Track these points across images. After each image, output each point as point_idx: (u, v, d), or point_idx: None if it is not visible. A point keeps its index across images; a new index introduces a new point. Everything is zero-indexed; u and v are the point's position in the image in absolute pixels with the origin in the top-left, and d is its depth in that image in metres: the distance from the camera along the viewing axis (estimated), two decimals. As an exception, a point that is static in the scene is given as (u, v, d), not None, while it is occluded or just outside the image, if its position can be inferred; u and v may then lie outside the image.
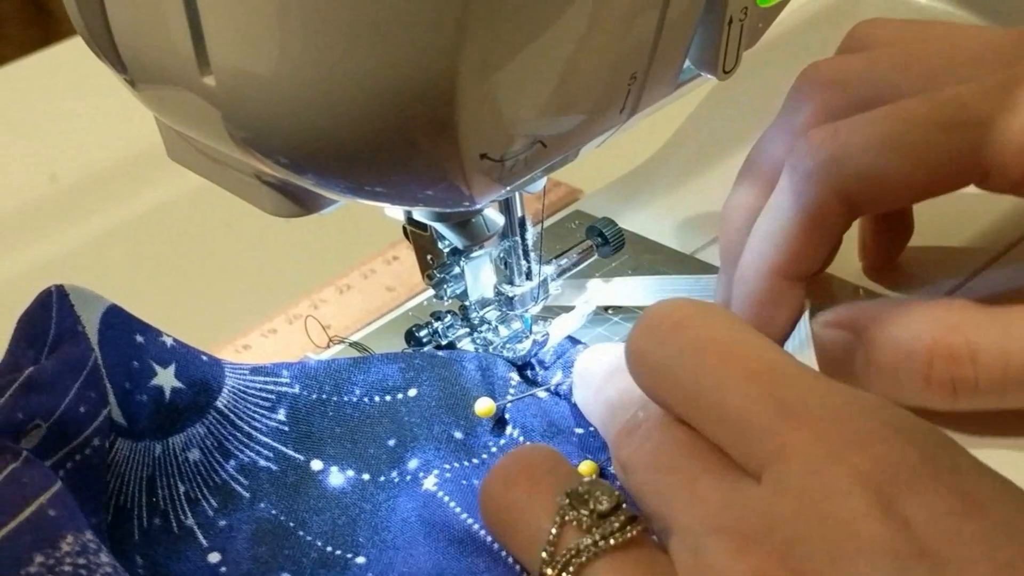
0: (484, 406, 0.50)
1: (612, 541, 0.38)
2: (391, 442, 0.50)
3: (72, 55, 0.88)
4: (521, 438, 0.50)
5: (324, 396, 0.50)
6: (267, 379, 0.50)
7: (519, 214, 0.52)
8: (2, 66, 0.91)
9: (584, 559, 0.38)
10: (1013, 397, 0.44)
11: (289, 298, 0.65)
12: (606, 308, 0.57)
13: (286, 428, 0.50)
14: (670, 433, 0.41)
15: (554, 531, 0.38)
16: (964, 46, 0.51)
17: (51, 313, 0.46)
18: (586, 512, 0.38)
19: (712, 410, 0.39)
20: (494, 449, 0.50)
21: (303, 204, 0.47)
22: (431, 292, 0.56)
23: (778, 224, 0.49)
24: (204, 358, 0.49)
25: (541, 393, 0.51)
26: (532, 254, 0.53)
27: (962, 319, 0.45)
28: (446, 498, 0.47)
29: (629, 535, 0.38)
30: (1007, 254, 0.57)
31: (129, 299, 0.49)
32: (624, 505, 0.39)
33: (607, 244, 0.56)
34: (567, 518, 0.39)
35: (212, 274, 0.70)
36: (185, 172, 0.50)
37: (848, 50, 0.55)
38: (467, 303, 0.54)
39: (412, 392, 0.51)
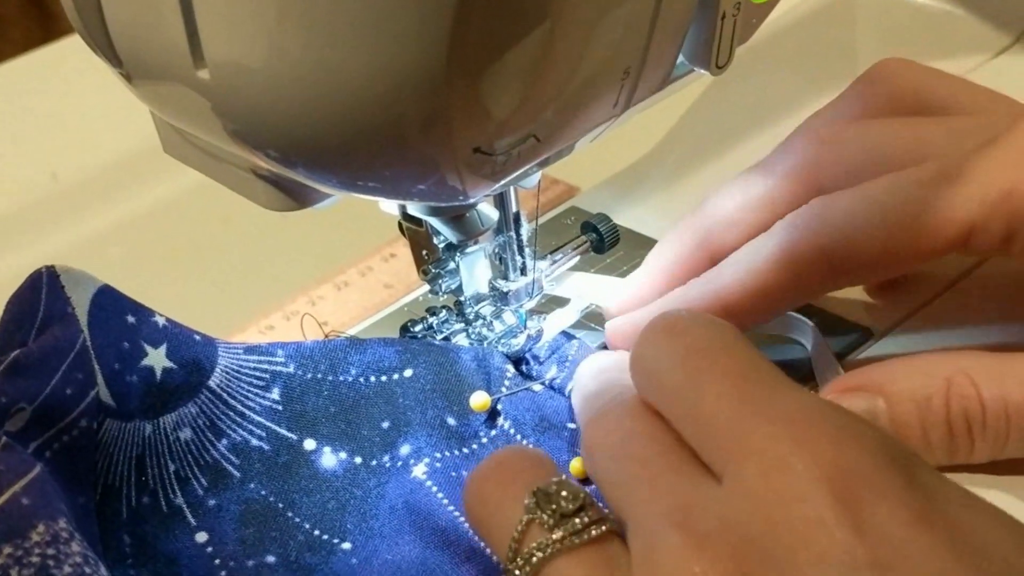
0: (479, 400, 0.50)
1: (574, 540, 0.38)
2: (385, 424, 0.50)
3: (72, 53, 0.88)
4: (513, 431, 0.50)
5: (319, 375, 0.50)
6: (261, 358, 0.50)
7: (514, 209, 0.52)
8: (2, 64, 0.91)
9: (542, 556, 0.38)
10: (1017, 441, 0.44)
11: (287, 295, 0.65)
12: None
13: (280, 407, 0.50)
14: (637, 424, 0.42)
15: (519, 529, 0.39)
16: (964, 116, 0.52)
17: (41, 295, 0.47)
18: (549, 512, 0.39)
19: (688, 410, 0.40)
20: (484, 440, 0.50)
21: (297, 198, 0.48)
22: (427, 288, 0.56)
23: (748, 259, 0.49)
24: (197, 338, 0.50)
25: (536, 387, 0.52)
26: (527, 250, 0.53)
27: (967, 364, 0.45)
28: (434, 488, 0.48)
29: (591, 535, 0.38)
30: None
31: (127, 295, 0.49)
32: (588, 507, 0.39)
33: (602, 240, 0.56)
34: (534, 517, 0.39)
35: (210, 271, 0.70)
36: (183, 170, 0.51)
37: (868, 84, 0.56)
38: (462, 298, 0.54)
39: (408, 373, 0.51)
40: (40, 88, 0.88)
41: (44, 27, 1.52)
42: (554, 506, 0.39)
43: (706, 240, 0.52)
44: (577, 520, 0.39)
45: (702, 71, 0.48)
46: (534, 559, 0.38)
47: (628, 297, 0.53)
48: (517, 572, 0.39)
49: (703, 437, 0.39)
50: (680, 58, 0.47)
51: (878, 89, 0.55)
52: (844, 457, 0.35)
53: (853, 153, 0.51)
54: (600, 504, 0.40)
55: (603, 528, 0.39)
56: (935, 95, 0.54)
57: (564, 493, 0.39)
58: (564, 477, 0.40)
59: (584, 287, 0.56)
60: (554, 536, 0.38)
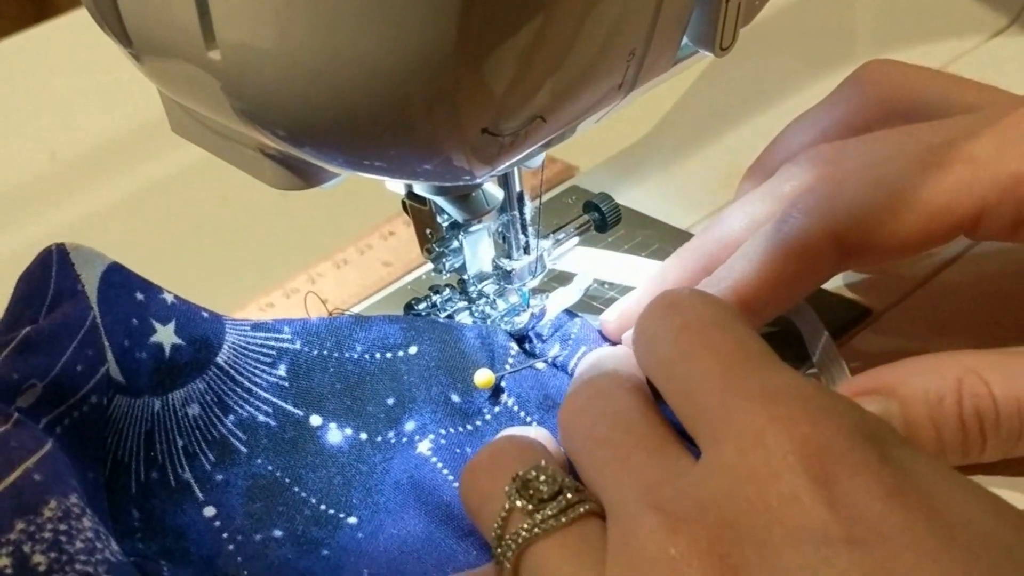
0: (483, 377, 0.51)
1: (553, 523, 0.39)
2: (390, 400, 0.50)
3: (69, 31, 0.88)
4: (516, 408, 0.51)
5: (325, 352, 0.51)
6: (268, 335, 0.51)
7: (517, 189, 0.52)
8: (-1, 42, 0.91)
9: (521, 540, 0.39)
10: None
11: (286, 273, 0.65)
12: (603, 282, 0.58)
13: (286, 384, 0.50)
14: (612, 404, 0.43)
15: (502, 515, 0.40)
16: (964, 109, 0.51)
17: (51, 272, 0.47)
18: (527, 497, 0.40)
19: (679, 385, 0.41)
20: (488, 416, 0.51)
21: (305, 177, 0.48)
22: (429, 266, 0.56)
23: (758, 249, 0.49)
24: (205, 314, 0.50)
25: (539, 365, 0.52)
26: (530, 228, 0.54)
27: (977, 363, 0.45)
28: (439, 464, 0.48)
29: (569, 517, 0.39)
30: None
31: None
32: (566, 490, 0.40)
33: (604, 219, 0.57)
34: (515, 503, 0.40)
35: (209, 249, 0.71)
36: (182, 149, 0.51)
37: (857, 85, 0.56)
38: (465, 277, 0.55)
39: (412, 350, 0.51)
40: (37, 67, 0.88)
41: (38, 4, 1.51)
42: (531, 491, 0.40)
43: (710, 263, 0.52)
44: (555, 504, 0.39)
45: (706, 53, 0.48)
46: (515, 543, 0.39)
47: (630, 314, 0.52)
48: (501, 557, 0.40)
49: (690, 413, 0.40)
50: (684, 40, 0.47)
51: (867, 91, 0.55)
52: (820, 434, 0.36)
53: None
54: (581, 486, 0.41)
55: (581, 510, 0.39)
56: (925, 94, 0.54)
57: (543, 478, 0.40)
58: (545, 462, 0.41)
59: (588, 261, 0.57)
60: (532, 520, 0.39)
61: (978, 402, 0.43)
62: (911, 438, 0.43)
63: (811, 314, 0.52)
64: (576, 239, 0.57)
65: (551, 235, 0.56)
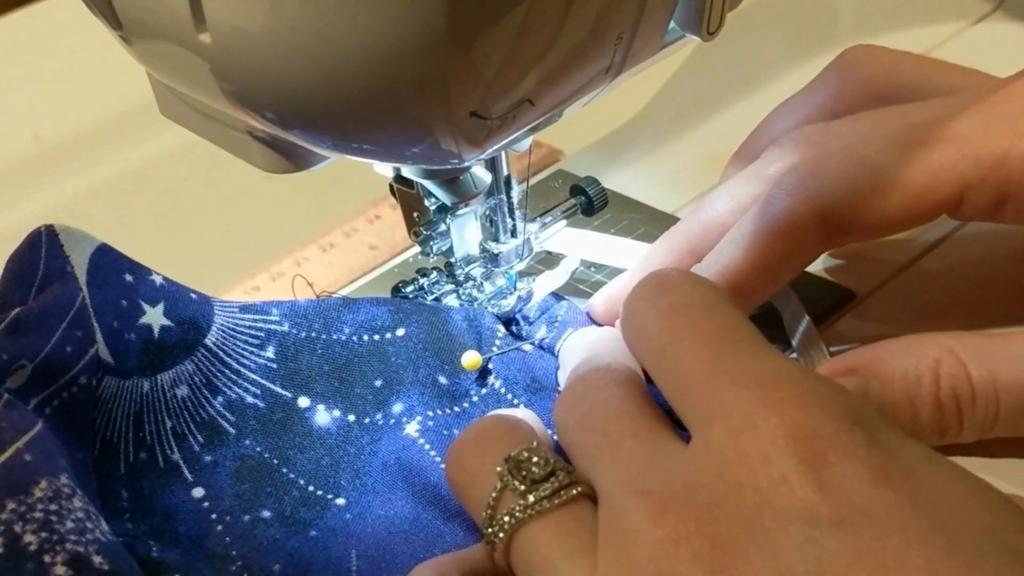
0: (470, 359, 0.51)
1: (546, 504, 0.39)
2: (378, 382, 0.51)
3: (52, 13, 0.88)
4: (504, 390, 0.51)
5: (313, 334, 0.51)
6: (256, 317, 0.51)
7: (505, 172, 0.53)
8: (-19, 24, 0.91)
9: (514, 521, 0.39)
10: (1006, 420, 0.44)
11: (273, 256, 0.65)
12: (589, 265, 0.58)
13: (274, 365, 0.50)
14: (603, 395, 0.43)
15: (494, 495, 0.40)
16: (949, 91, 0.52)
17: (40, 254, 0.47)
18: (520, 478, 0.40)
19: (668, 368, 0.41)
20: (475, 398, 0.51)
21: (293, 160, 0.48)
22: (415, 250, 0.56)
23: (744, 233, 0.49)
24: (194, 296, 0.50)
25: (526, 347, 0.52)
26: (517, 212, 0.54)
27: (955, 344, 0.45)
28: (426, 446, 0.49)
29: (561, 499, 0.39)
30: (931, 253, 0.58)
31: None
32: (558, 471, 0.40)
33: (591, 203, 0.57)
34: (507, 484, 0.40)
35: (195, 232, 0.71)
36: (166, 131, 0.51)
37: (839, 70, 0.56)
38: (453, 260, 0.55)
39: (400, 332, 0.51)
40: (20, 49, 0.88)
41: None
42: (524, 472, 0.40)
43: (698, 246, 0.52)
44: (547, 485, 0.40)
45: (693, 37, 0.48)
46: (507, 524, 0.39)
47: (618, 298, 0.52)
48: (493, 538, 0.40)
49: (679, 395, 0.40)
50: (671, 24, 0.48)
51: (849, 77, 0.55)
52: (809, 418, 0.36)
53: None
54: (572, 468, 0.41)
55: (573, 492, 0.39)
56: (907, 79, 0.54)
57: (535, 459, 0.40)
58: (536, 443, 0.41)
59: (575, 242, 0.57)
60: (525, 501, 0.39)
61: (955, 383, 0.43)
62: (889, 418, 0.43)
63: (793, 298, 0.53)
64: (563, 222, 0.57)
65: (538, 219, 0.56)
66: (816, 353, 0.50)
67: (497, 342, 0.52)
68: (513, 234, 0.54)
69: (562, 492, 0.39)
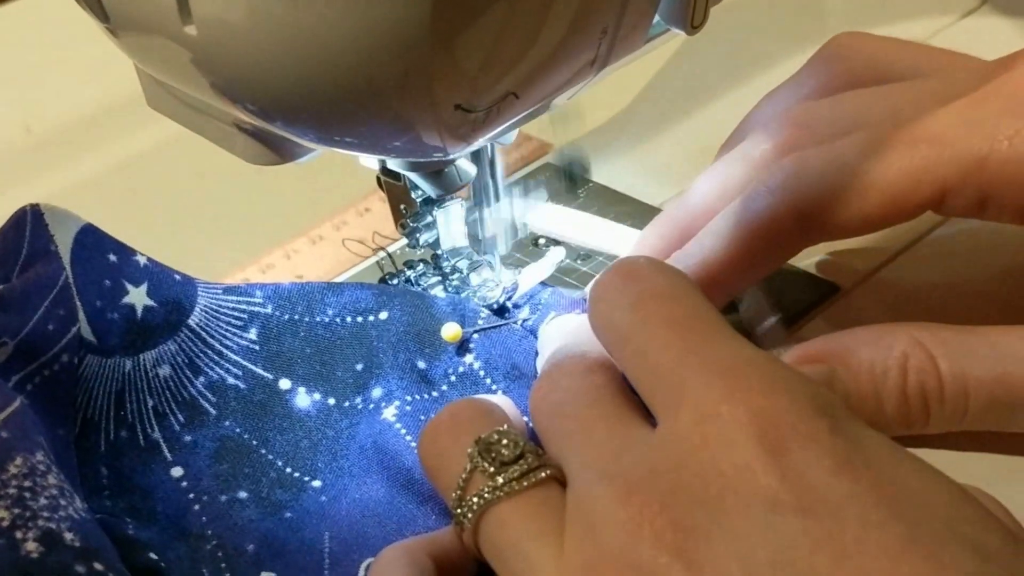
0: (451, 331, 0.51)
1: (514, 486, 0.40)
2: (359, 366, 0.51)
3: (43, 6, 0.88)
4: (482, 372, 0.51)
5: (296, 317, 0.51)
6: (240, 299, 0.51)
7: (491, 165, 0.53)
8: (-28, 17, 0.91)
9: (483, 502, 0.40)
10: (975, 416, 0.44)
11: (262, 248, 0.66)
12: (576, 257, 0.59)
13: (256, 347, 0.51)
14: (578, 382, 0.43)
15: (464, 477, 0.41)
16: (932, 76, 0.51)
17: (24, 232, 0.47)
18: (489, 460, 0.41)
19: (636, 356, 0.41)
20: (453, 378, 0.51)
21: (279, 152, 0.48)
22: (403, 242, 0.57)
23: (726, 226, 0.49)
24: (177, 277, 0.51)
25: (514, 326, 0.53)
26: (503, 200, 0.54)
27: (925, 336, 0.44)
28: (403, 430, 0.49)
29: (530, 481, 0.40)
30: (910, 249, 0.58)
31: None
32: (528, 454, 0.40)
33: (572, 177, 0.57)
34: (476, 465, 0.41)
35: (185, 224, 0.71)
36: (157, 123, 0.51)
37: (826, 59, 0.56)
38: (439, 252, 0.55)
39: (383, 315, 0.52)
40: (11, 41, 0.88)
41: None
42: (494, 454, 0.41)
43: (687, 231, 0.52)
44: (516, 467, 0.40)
45: (677, 31, 0.49)
46: (476, 505, 0.40)
47: None
48: (462, 519, 0.40)
49: (647, 383, 0.40)
50: (656, 18, 0.48)
51: (835, 65, 0.55)
52: (773, 406, 0.36)
53: (829, 132, 0.51)
54: (542, 451, 0.41)
55: (542, 474, 0.40)
56: (895, 65, 0.54)
57: (504, 442, 0.41)
58: (507, 426, 0.42)
59: (560, 221, 0.57)
60: (494, 483, 0.40)
61: (923, 378, 0.43)
62: (854, 409, 0.42)
63: (758, 295, 0.53)
64: (545, 195, 0.57)
65: (524, 199, 0.56)
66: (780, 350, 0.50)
67: (480, 321, 0.52)
68: (499, 222, 0.54)
69: (531, 474, 0.40)
